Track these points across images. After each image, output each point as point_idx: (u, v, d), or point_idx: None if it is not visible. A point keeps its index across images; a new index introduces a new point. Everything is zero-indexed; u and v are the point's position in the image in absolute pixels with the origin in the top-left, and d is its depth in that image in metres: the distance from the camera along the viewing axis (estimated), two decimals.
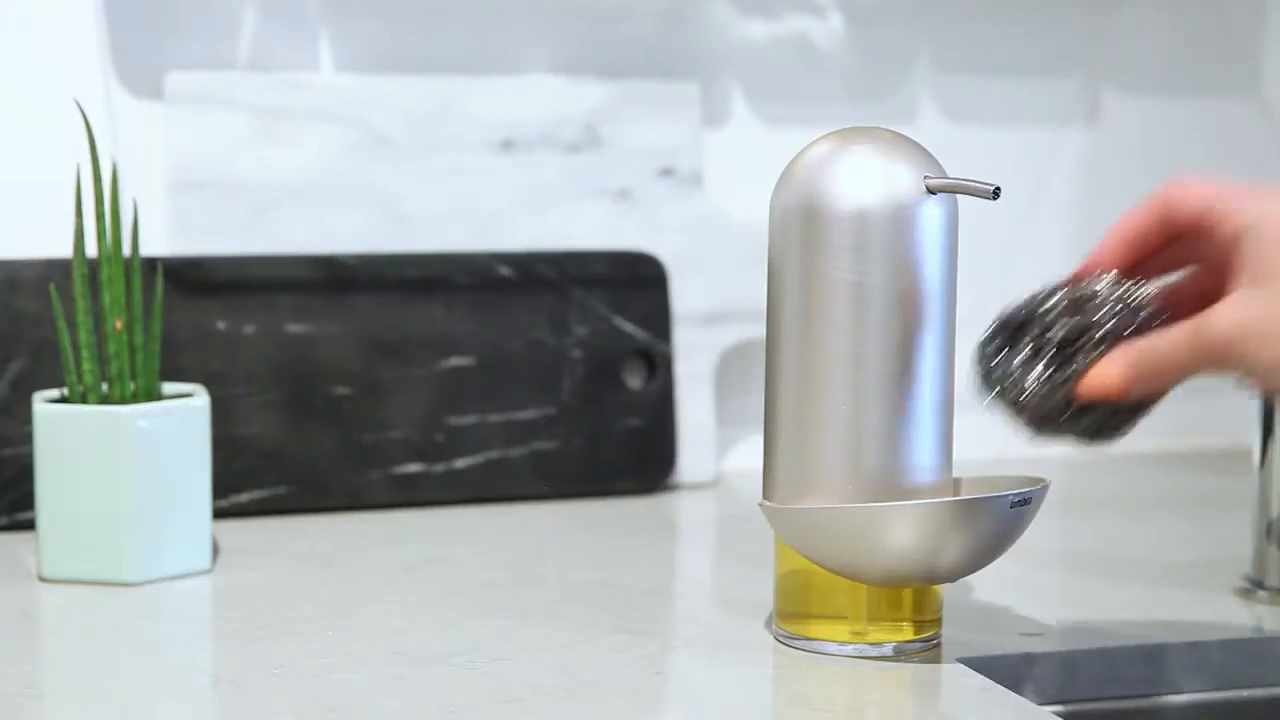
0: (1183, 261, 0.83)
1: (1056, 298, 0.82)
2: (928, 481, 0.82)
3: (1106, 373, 0.79)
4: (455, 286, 1.18)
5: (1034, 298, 0.82)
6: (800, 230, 0.82)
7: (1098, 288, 0.82)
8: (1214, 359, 0.75)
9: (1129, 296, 0.81)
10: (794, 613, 0.86)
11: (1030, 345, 0.81)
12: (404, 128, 1.20)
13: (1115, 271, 0.82)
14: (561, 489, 1.19)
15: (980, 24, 1.33)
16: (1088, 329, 0.80)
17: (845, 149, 0.82)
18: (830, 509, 0.81)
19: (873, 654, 0.84)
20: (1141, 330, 0.80)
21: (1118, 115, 1.37)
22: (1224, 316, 0.75)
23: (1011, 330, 0.82)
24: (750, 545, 1.01)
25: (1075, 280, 0.83)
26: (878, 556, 0.81)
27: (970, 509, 0.80)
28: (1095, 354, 0.80)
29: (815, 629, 0.85)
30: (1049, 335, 0.80)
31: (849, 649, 0.84)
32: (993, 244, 1.33)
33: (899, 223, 0.81)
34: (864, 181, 0.81)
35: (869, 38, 1.31)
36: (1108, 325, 0.80)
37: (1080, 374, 0.80)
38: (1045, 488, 0.82)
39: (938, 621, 0.86)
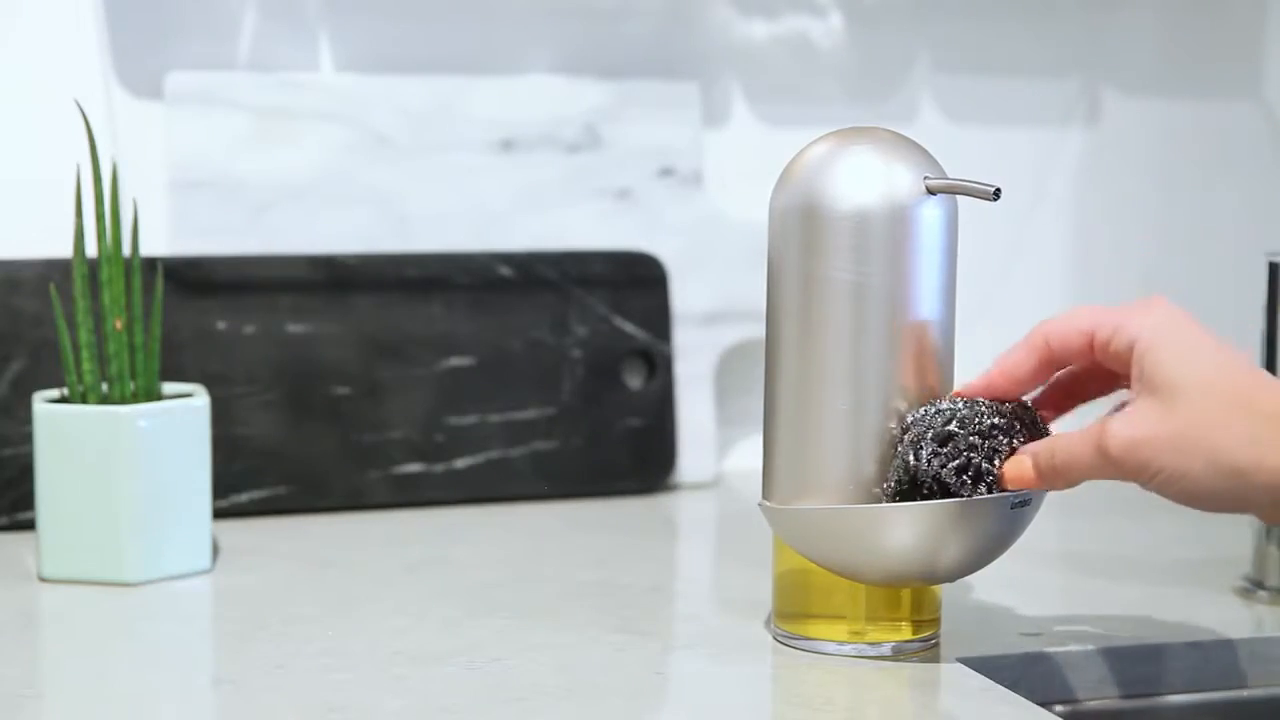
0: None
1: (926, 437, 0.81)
2: None
3: (1024, 465, 0.80)
4: (455, 286, 1.18)
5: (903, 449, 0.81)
6: (800, 230, 0.82)
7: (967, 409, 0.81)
8: (1114, 467, 0.77)
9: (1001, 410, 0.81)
10: (793, 612, 0.86)
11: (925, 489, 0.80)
12: (404, 128, 1.20)
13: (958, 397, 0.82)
14: (561, 489, 1.19)
15: (980, 24, 1.33)
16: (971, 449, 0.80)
17: (845, 149, 0.82)
18: (830, 509, 0.81)
19: (871, 654, 0.84)
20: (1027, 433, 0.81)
21: (1118, 115, 1.37)
22: (1120, 427, 0.77)
23: (904, 481, 0.81)
24: (750, 545, 1.01)
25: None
26: (877, 557, 0.81)
27: (970, 509, 0.80)
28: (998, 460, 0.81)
29: (814, 629, 0.85)
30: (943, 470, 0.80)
31: (848, 649, 0.84)
32: (993, 244, 1.33)
33: (898, 223, 0.81)
34: (864, 182, 0.81)
35: (869, 38, 1.31)
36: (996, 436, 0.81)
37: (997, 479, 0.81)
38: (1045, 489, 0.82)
39: (936, 621, 0.87)
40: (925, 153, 0.83)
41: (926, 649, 0.85)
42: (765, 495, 0.85)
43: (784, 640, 0.86)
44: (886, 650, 0.84)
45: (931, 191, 0.81)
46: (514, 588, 0.98)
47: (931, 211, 0.81)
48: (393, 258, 1.18)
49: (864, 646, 0.84)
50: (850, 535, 0.81)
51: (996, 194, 0.81)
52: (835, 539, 0.82)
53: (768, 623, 0.88)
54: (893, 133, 0.83)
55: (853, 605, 0.85)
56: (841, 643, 0.85)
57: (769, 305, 0.84)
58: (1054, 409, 0.85)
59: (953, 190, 0.82)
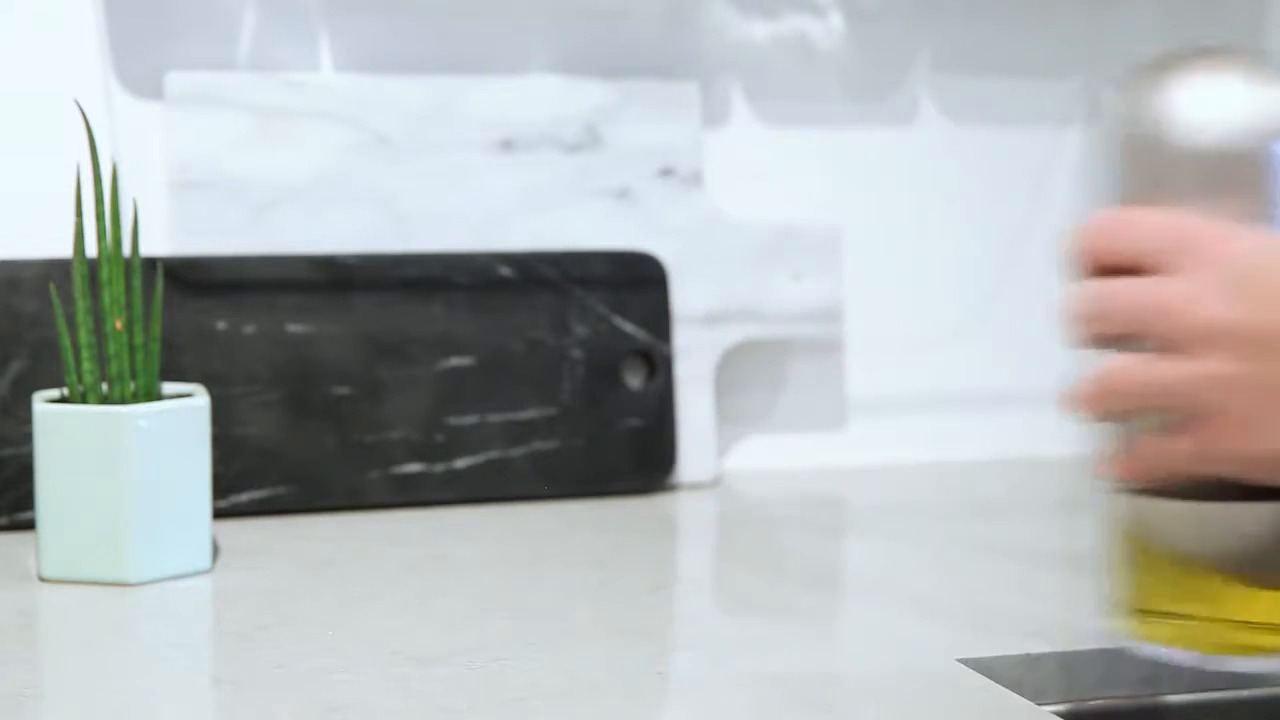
0: None
1: None
2: None
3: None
4: (455, 286, 1.18)
5: None
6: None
7: None
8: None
9: None
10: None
11: None
12: (404, 128, 1.20)
13: None
14: (561, 489, 1.19)
15: (980, 24, 1.33)
16: None
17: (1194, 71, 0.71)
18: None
19: None
20: None
21: None
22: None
23: None
24: (750, 545, 1.01)
25: None
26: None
27: None
28: None
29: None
30: None
31: None
32: (992, 244, 1.33)
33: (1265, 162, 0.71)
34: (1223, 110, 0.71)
35: (869, 38, 1.31)
36: None
37: None
38: None
39: None
40: None
41: None
42: None
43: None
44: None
45: None
46: (514, 588, 0.98)
47: None
48: (393, 258, 1.18)
49: None
50: None
51: None
52: None
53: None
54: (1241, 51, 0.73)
55: None
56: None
57: None
58: None
59: None
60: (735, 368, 1.26)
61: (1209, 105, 0.71)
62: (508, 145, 1.22)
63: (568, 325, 1.20)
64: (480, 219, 1.21)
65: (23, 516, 1.06)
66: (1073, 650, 0.87)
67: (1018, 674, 0.86)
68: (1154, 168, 0.72)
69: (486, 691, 0.80)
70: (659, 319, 1.22)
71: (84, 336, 0.97)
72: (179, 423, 0.98)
